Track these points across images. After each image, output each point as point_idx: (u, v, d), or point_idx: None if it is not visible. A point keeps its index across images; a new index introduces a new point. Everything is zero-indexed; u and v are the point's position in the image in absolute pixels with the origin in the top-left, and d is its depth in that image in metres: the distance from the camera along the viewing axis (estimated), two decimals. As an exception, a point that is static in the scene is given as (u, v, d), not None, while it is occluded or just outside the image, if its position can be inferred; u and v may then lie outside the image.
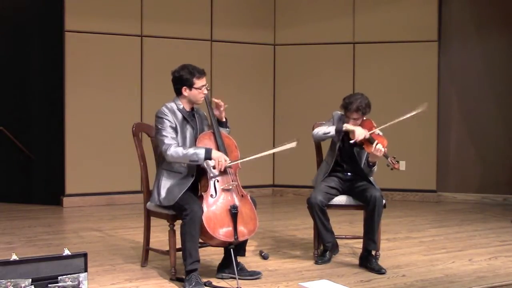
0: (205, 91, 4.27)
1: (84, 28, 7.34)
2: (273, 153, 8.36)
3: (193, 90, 4.23)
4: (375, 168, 4.71)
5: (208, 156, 4.06)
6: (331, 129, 4.69)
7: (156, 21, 7.71)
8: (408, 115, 4.71)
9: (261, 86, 8.41)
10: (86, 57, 7.36)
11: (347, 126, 4.66)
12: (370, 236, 4.56)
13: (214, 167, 4.09)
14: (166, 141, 4.14)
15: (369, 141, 4.56)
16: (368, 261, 4.54)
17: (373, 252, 4.63)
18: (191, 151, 4.08)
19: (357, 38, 8.16)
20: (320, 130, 4.75)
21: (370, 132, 4.60)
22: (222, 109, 4.35)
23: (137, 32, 7.63)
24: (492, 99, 7.97)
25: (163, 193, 4.19)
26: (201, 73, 4.25)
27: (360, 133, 4.57)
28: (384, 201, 4.57)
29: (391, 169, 4.52)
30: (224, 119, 4.40)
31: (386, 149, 4.50)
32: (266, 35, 8.43)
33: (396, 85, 7.91)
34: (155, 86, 7.60)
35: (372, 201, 4.51)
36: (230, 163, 4.14)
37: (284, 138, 8.34)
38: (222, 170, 4.10)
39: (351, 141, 4.60)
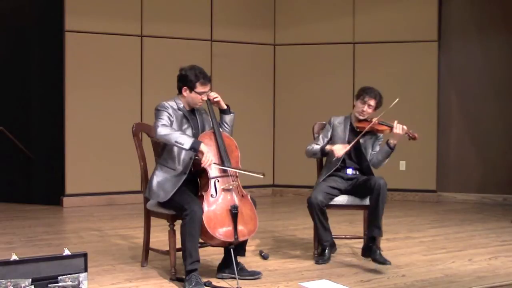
0: (204, 98, 4.26)
1: (84, 28, 7.34)
2: (272, 154, 8.42)
3: (193, 93, 4.22)
4: (392, 148, 4.75)
5: (195, 146, 4.01)
6: (317, 150, 4.84)
7: (156, 21, 7.71)
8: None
9: (261, 86, 8.41)
10: (86, 57, 7.36)
11: (327, 148, 4.78)
12: (375, 223, 4.53)
13: (200, 161, 4.04)
14: (161, 122, 4.11)
15: (384, 124, 4.68)
16: (371, 251, 4.50)
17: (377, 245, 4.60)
18: (179, 133, 4.05)
19: (357, 38, 8.16)
20: (311, 149, 4.87)
21: (377, 119, 4.70)
22: (217, 99, 4.33)
23: (137, 32, 7.63)
24: (492, 99, 7.97)
25: (154, 187, 4.19)
26: (206, 79, 4.23)
27: (338, 150, 4.68)
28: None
29: (409, 139, 4.66)
30: (225, 107, 4.39)
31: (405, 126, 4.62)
32: (266, 35, 8.43)
33: (396, 85, 7.89)
34: (155, 86, 7.60)
35: (376, 188, 4.52)
36: (226, 166, 4.13)
37: (284, 138, 8.42)
38: (205, 166, 4.05)
39: (358, 129, 4.72)
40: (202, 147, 4.03)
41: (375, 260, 4.46)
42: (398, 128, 4.61)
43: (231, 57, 8.14)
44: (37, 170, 7.52)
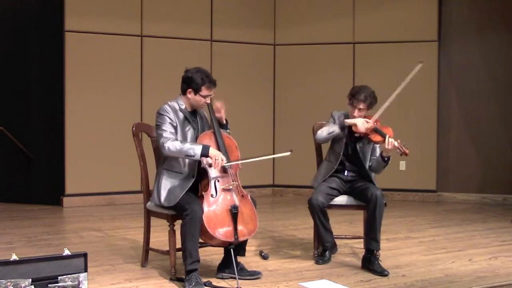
0: (208, 101, 4.27)
1: (84, 28, 7.34)
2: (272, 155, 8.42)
3: (197, 96, 4.23)
4: (386, 162, 4.67)
5: (205, 153, 4.05)
6: (335, 128, 4.69)
7: (156, 21, 7.71)
8: (408, 79, 4.69)
9: (261, 86, 8.41)
10: (86, 57, 7.36)
11: (348, 121, 4.65)
12: (372, 236, 4.52)
13: (210, 165, 4.09)
14: (165, 134, 4.14)
15: (379, 133, 4.58)
16: (370, 262, 4.51)
17: (375, 252, 4.60)
18: (187, 145, 4.09)
19: (357, 38, 8.17)
20: (323, 131, 4.73)
21: (372, 123, 4.60)
22: (222, 111, 4.35)
23: (137, 32, 7.63)
24: (492, 99, 7.97)
25: (163, 193, 4.19)
26: (212, 84, 4.24)
27: (361, 125, 4.57)
28: (384, 200, 4.58)
29: (401, 154, 4.54)
30: (224, 121, 4.40)
31: (397, 141, 4.51)
32: (266, 35, 8.43)
33: (396, 85, 7.85)
34: (155, 86, 7.61)
35: (373, 200, 4.51)
36: (226, 163, 4.13)
37: (284, 138, 8.42)
38: (218, 169, 4.10)
39: (356, 134, 4.64)
40: (211, 151, 4.06)
41: (373, 271, 4.44)
42: (389, 144, 4.49)
43: (231, 57, 8.14)
44: (37, 170, 7.52)
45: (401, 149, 4.51)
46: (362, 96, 4.65)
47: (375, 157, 4.75)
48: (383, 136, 4.55)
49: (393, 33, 8.04)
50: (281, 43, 8.46)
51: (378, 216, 4.51)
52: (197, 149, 4.05)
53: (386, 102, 4.67)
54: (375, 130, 4.60)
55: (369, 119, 4.67)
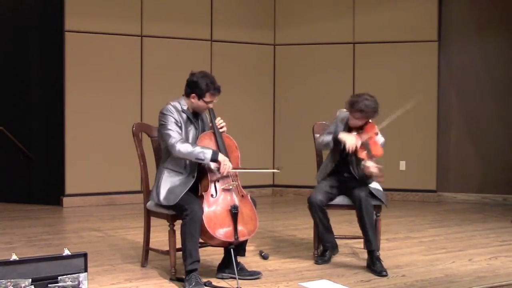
0: (211, 106, 4.27)
1: (84, 28, 7.34)
2: (272, 154, 8.43)
3: (201, 101, 4.23)
4: (370, 181, 4.63)
5: (215, 157, 4.07)
6: (329, 138, 4.62)
7: (156, 21, 7.71)
8: (403, 110, 4.65)
9: (261, 86, 8.41)
10: (86, 57, 7.36)
11: (340, 137, 4.56)
12: (366, 237, 4.53)
13: (218, 170, 4.10)
14: (173, 135, 4.14)
15: (367, 151, 4.47)
16: (371, 262, 4.51)
17: (375, 252, 4.59)
18: (198, 149, 4.09)
19: (357, 38, 8.16)
20: (322, 140, 4.68)
21: (366, 137, 4.55)
22: (223, 129, 4.35)
23: (137, 32, 7.63)
24: (492, 99, 7.97)
25: (163, 192, 4.19)
26: (216, 91, 4.23)
27: (350, 144, 4.48)
28: (384, 200, 4.58)
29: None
30: None
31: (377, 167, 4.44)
32: (266, 35, 8.43)
33: (396, 85, 7.90)
34: (155, 86, 7.61)
35: (357, 201, 4.50)
36: (232, 169, 4.14)
37: (284, 138, 8.43)
38: (224, 173, 4.12)
39: (346, 152, 4.56)
40: (220, 156, 4.08)
41: (373, 271, 4.45)
42: (366, 168, 4.44)
43: (231, 57, 8.14)
44: (37, 170, 7.52)
45: (377, 175, 4.45)
46: (357, 107, 4.53)
47: None
48: (369, 156, 4.45)
49: (393, 33, 8.04)
50: (281, 43, 8.46)
51: (366, 216, 4.48)
52: (207, 153, 4.06)
53: (379, 125, 4.58)
54: (364, 145, 4.49)
55: (368, 130, 4.62)
